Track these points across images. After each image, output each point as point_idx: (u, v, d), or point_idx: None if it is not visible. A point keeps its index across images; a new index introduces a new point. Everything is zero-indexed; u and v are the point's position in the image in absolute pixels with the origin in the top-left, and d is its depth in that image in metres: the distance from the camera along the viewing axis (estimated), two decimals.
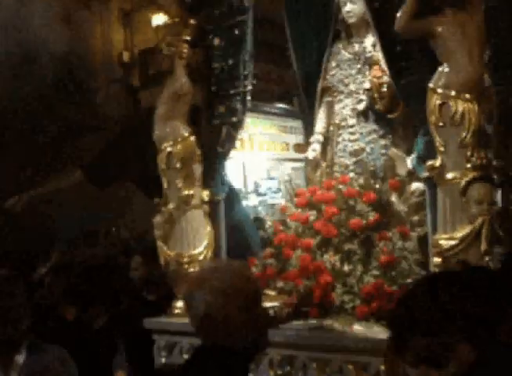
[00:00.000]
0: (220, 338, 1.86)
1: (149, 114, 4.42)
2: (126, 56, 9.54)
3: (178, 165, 4.04)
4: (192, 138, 4.08)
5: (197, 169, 4.11)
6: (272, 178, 8.38)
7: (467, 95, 3.07)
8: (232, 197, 4.46)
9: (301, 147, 8.63)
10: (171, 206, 4.08)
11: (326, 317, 3.61)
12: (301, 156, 8.27)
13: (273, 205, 7.97)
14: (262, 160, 8.42)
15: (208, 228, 4.13)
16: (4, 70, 6.98)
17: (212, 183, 4.18)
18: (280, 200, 8.02)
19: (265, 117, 8.13)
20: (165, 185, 4.11)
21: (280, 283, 3.85)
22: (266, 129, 8.45)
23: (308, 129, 5.11)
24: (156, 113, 4.16)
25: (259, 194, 8.10)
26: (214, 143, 4.18)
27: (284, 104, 8.65)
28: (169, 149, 4.05)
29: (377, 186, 3.97)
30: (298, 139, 8.65)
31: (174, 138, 4.05)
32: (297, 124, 8.69)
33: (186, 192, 4.04)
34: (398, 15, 3.22)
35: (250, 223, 4.59)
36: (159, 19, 7.92)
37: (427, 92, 3.16)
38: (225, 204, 4.30)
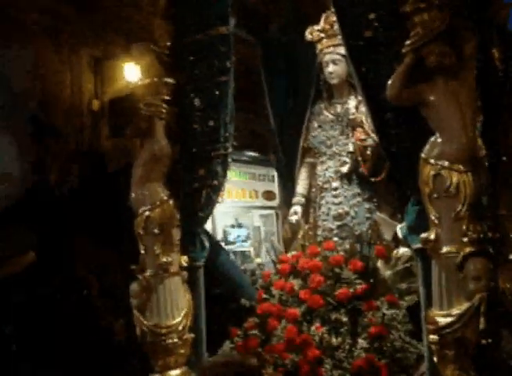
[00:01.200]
0: None
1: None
2: (95, 105, 9.35)
3: (156, 230, 3.86)
4: (171, 201, 3.91)
5: (176, 234, 3.93)
6: (240, 226, 8.26)
7: (461, 167, 2.98)
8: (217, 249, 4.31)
9: (271, 195, 8.56)
10: (148, 273, 3.88)
11: None
12: (270, 203, 8.20)
13: (243, 253, 7.87)
14: (231, 207, 8.30)
15: (187, 296, 3.93)
16: None
17: (191, 249, 4.00)
18: (249, 248, 7.93)
19: (233, 164, 8.03)
20: (142, 250, 3.91)
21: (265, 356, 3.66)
22: (235, 177, 8.35)
23: (285, 187, 5.02)
24: (134, 175, 3.99)
25: (228, 243, 7.96)
26: (193, 207, 4.02)
27: (253, 152, 8.58)
28: (147, 213, 3.87)
29: (363, 251, 3.86)
30: (267, 186, 8.60)
31: (153, 202, 3.88)
32: (266, 171, 8.65)
33: (165, 259, 3.85)
34: (389, 82, 3.13)
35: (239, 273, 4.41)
36: (132, 69, 7.82)
37: (420, 162, 3.06)
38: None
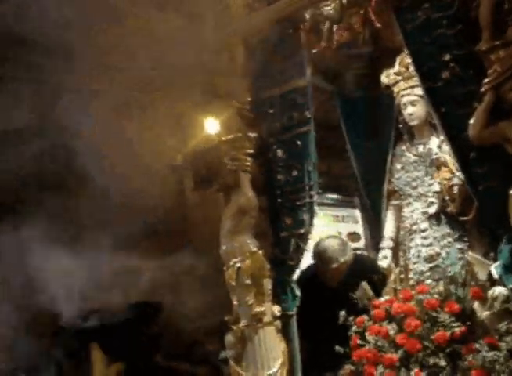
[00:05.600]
0: None
1: None
2: (179, 159, 9.65)
3: (247, 281, 3.94)
4: (261, 252, 3.99)
5: (267, 284, 4.00)
6: None
7: None
8: None
9: (355, 236, 8.50)
10: (242, 324, 3.95)
11: None
12: (356, 245, 8.14)
13: None
14: None
15: (282, 345, 3.97)
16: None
17: (283, 298, 4.05)
18: None
19: (317, 207, 8.05)
20: (235, 302, 3.99)
21: None
22: (318, 220, 8.34)
23: (371, 230, 5.01)
24: (223, 228, 4.10)
25: None
26: (282, 256, 4.08)
27: (336, 194, 8.58)
28: (238, 264, 3.96)
29: (458, 293, 3.78)
30: (351, 228, 8.54)
31: (243, 253, 3.97)
32: (350, 213, 8.60)
33: (258, 309, 3.91)
34: (471, 123, 3.13)
35: None
36: (213, 124, 8.07)
37: (508, 199, 3.02)
38: None
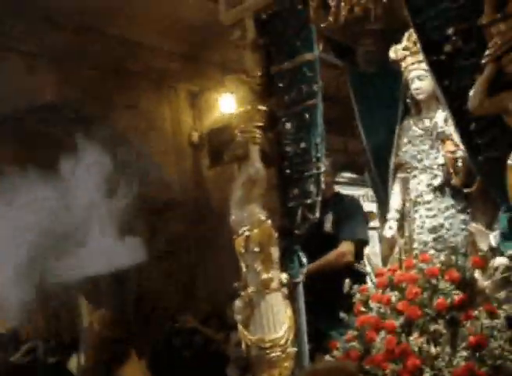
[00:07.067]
0: None
1: None
2: (195, 137, 9.83)
3: (256, 249, 4.07)
4: (269, 221, 4.11)
5: (275, 252, 4.13)
6: None
7: None
8: None
9: (371, 215, 8.58)
10: (250, 290, 4.09)
11: None
12: (372, 224, 8.23)
13: None
14: None
15: (288, 311, 4.11)
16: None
17: (290, 266, 4.19)
18: None
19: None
20: (244, 268, 4.13)
21: (365, 367, 3.76)
22: None
23: (382, 205, 5.11)
24: (232, 198, 4.23)
25: None
26: (289, 226, 4.21)
27: (350, 173, 8.66)
28: (247, 233, 4.09)
29: (459, 262, 3.89)
30: (367, 207, 8.62)
31: (251, 222, 4.10)
32: (365, 192, 8.68)
33: (265, 275, 4.05)
34: (471, 94, 3.22)
35: None
36: (226, 100, 8.20)
37: (507, 169, 3.12)
38: None
